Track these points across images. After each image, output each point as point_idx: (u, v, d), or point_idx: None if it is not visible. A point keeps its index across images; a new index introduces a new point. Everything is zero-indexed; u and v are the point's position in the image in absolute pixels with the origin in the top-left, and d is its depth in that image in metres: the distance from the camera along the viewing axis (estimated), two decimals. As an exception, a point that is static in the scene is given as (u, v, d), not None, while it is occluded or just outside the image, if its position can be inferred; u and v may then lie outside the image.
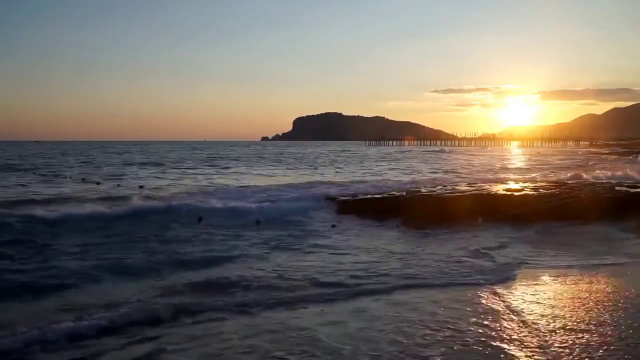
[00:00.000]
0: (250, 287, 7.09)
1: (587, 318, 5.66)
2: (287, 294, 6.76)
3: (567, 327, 5.38)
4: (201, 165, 40.04)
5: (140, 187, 20.95)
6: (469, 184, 19.32)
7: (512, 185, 18.55)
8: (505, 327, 5.42)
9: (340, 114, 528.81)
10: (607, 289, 7.00)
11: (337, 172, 33.62)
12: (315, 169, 37.28)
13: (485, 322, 5.57)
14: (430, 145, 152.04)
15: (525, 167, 38.74)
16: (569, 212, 13.57)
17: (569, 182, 19.08)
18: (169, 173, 31.21)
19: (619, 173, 23.76)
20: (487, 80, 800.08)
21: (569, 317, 5.71)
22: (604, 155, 57.94)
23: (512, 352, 4.81)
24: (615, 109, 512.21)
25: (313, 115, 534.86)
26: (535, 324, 5.50)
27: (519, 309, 6.03)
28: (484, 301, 6.36)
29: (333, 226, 12.85)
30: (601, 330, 5.29)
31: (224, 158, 54.37)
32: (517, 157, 62.76)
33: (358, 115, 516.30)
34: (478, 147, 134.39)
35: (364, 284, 7.31)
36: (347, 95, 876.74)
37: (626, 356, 4.67)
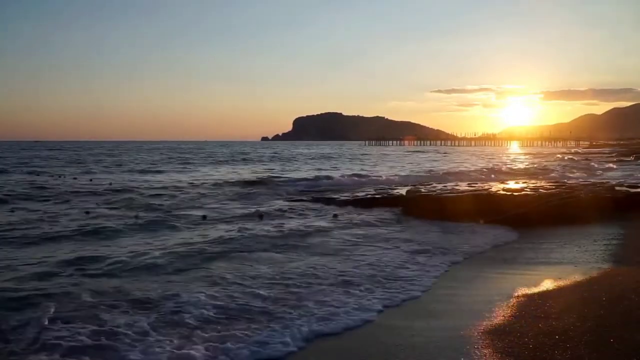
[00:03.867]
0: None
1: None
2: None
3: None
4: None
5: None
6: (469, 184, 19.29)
7: (512, 185, 18.53)
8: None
9: (340, 114, 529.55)
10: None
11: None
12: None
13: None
14: (430, 145, 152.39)
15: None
16: (568, 212, 13.55)
17: (569, 182, 19.08)
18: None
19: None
20: (490, 80, 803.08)
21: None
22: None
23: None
24: (615, 109, 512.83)
25: (313, 115, 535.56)
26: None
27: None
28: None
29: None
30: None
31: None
32: (505, 158, 62.43)
33: (358, 115, 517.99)
34: (477, 147, 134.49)
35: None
36: (347, 95, 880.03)
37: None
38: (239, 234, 10.73)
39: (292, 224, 12.52)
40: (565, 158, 52.01)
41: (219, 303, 6.27)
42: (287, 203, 16.50)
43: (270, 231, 11.29)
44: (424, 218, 13.47)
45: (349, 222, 12.79)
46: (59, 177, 26.75)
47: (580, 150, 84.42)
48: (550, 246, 10.27)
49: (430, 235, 11.37)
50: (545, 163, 42.38)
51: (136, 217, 13.56)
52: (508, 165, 39.45)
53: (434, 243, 10.39)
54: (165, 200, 17.18)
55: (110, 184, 22.50)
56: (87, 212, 13.94)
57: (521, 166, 38.60)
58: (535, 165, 38.71)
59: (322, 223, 12.64)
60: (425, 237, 11.17)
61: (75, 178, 25.59)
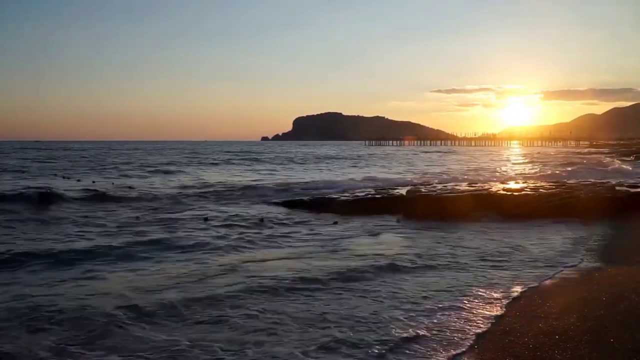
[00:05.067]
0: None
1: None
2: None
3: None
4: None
5: None
6: (470, 183, 19.31)
7: (512, 185, 18.56)
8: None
9: (340, 114, 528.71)
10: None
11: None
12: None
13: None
14: (430, 145, 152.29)
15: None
16: (568, 212, 13.58)
17: (569, 182, 19.10)
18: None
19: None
20: (490, 80, 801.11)
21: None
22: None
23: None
24: (615, 109, 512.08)
25: (313, 115, 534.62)
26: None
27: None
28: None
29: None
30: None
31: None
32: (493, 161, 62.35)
33: (358, 115, 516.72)
34: (477, 147, 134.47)
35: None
36: (347, 95, 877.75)
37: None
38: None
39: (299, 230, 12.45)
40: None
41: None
42: (285, 205, 16.52)
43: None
44: (435, 219, 13.33)
45: (381, 227, 12.53)
46: (63, 178, 26.79)
47: (582, 151, 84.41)
48: (549, 246, 10.30)
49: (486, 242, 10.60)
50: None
51: (137, 218, 13.63)
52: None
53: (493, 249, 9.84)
54: (173, 206, 16.87)
55: (113, 183, 22.57)
56: (86, 216, 13.96)
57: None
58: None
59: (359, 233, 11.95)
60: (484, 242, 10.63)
61: (79, 180, 25.56)
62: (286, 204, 16.48)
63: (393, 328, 5.61)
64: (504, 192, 15.71)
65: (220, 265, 8.50)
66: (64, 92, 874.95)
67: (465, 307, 6.28)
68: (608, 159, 47.21)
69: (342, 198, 16.77)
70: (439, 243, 10.50)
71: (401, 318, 5.93)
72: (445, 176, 27.92)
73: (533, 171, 32.95)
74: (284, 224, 13.07)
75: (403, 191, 16.84)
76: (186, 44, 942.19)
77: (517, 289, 7.03)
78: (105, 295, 6.82)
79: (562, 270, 8.12)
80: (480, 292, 6.93)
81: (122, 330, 5.60)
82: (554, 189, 16.09)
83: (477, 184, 19.21)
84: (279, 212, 15.10)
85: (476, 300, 6.56)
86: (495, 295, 6.79)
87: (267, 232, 11.91)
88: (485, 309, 6.23)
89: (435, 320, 5.84)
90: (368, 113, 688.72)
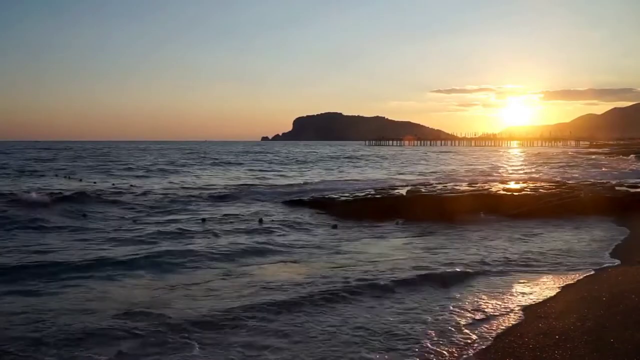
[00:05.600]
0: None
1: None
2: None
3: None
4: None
5: None
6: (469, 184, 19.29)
7: (512, 185, 18.55)
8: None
9: (340, 114, 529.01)
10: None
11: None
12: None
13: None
14: (430, 145, 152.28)
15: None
16: (568, 212, 13.60)
17: (569, 182, 19.11)
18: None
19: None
20: (490, 80, 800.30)
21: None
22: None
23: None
24: (615, 109, 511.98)
25: (313, 115, 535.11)
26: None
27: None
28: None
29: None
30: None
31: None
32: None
33: (358, 115, 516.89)
34: (477, 147, 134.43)
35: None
36: (347, 95, 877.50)
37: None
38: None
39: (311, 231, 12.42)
40: None
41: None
42: (284, 205, 16.54)
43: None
44: (435, 220, 13.22)
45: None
46: (64, 178, 26.78)
47: (583, 150, 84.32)
48: (550, 245, 10.30)
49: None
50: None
51: (134, 221, 13.62)
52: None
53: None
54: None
55: (113, 184, 22.57)
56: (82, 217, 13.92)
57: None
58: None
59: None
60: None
61: (81, 180, 25.54)
62: (286, 204, 16.48)
63: (421, 336, 5.42)
64: (504, 192, 15.73)
65: (220, 269, 8.40)
66: (64, 92, 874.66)
67: (488, 314, 6.11)
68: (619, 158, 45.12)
69: (342, 198, 16.74)
70: (462, 246, 10.29)
71: (430, 324, 5.78)
72: (445, 176, 27.94)
73: (534, 173, 33.01)
74: (283, 224, 12.97)
75: (403, 191, 16.83)
76: (186, 44, 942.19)
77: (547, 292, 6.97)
78: (104, 302, 6.63)
79: (595, 270, 8.09)
80: (504, 294, 6.88)
81: (124, 338, 5.41)
82: (553, 189, 16.11)
83: (477, 184, 19.20)
84: (279, 212, 15.05)
85: (500, 303, 6.48)
86: (517, 298, 6.74)
87: (266, 232, 11.82)
88: (505, 311, 6.16)
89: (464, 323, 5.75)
90: (368, 113, 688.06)
